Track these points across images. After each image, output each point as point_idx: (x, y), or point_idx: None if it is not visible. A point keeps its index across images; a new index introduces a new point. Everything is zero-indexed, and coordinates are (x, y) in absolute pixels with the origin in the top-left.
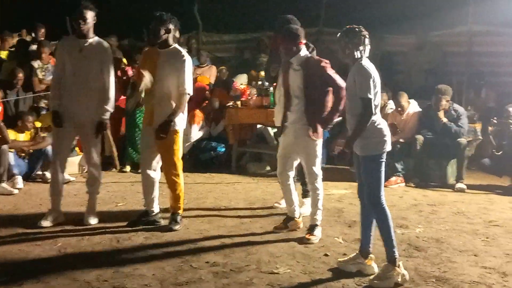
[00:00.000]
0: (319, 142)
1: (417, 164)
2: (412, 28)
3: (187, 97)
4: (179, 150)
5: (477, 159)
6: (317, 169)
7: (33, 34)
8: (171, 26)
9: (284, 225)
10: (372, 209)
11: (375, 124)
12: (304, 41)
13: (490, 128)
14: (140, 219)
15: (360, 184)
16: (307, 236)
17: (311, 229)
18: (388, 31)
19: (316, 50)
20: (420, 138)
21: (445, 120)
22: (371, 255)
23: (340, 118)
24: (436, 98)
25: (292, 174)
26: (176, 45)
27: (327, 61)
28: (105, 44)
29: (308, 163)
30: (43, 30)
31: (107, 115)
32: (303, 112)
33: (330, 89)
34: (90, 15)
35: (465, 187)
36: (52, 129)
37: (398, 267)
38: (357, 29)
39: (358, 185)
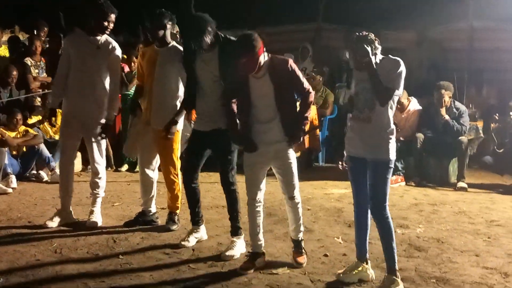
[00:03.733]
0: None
1: (418, 162)
2: (411, 24)
3: None
4: (178, 149)
5: (478, 157)
6: (296, 178)
7: (35, 31)
8: (169, 23)
9: (250, 263)
10: (376, 217)
11: (392, 128)
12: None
13: (492, 125)
14: (138, 219)
15: (358, 188)
16: (298, 260)
17: (299, 247)
18: (387, 27)
19: (315, 47)
20: (420, 136)
21: (447, 117)
22: (369, 261)
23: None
24: (439, 94)
25: (262, 199)
26: (174, 43)
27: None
28: (115, 42)
29: (289, 174)
30: (46, 29)
31: (113, 117)
32: (280, 126)
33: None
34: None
35: (466, 186)
36: (59, 129)
37: (398, 277)
38: (368, 33)
39: (354, 189)
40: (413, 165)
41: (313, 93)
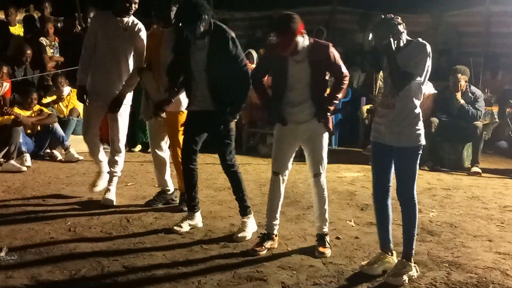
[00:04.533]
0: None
1: (432, 147)
2: (427, 8)
3: None
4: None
5: (493, 142)
6: (325, 157)
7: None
8: (174, 4)
9: (262, 245)
10: (403, 203)
11: (417, 114)
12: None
13: (507, 110)
14: (157, 198)
15: (379, 175)
16: (321, 249)
17: (323, 240)
18: (402, 10)
19: (329, 29)
20: (435, 120)
21: (462, 101)
22: (394, 252)
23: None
24: (454, 78)
25: (286, 177)
26: None
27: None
28: (141, 24)
29: (316, 151)
30: (50, 7)
31: (126, 93)
32: (312, 107)
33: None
34: None
35: (480, 171)
36: (83, 106)
37: (412, 262)
38: (393, 16)
39: (375, 175)
40: (427, 149)
41: (348, 76)
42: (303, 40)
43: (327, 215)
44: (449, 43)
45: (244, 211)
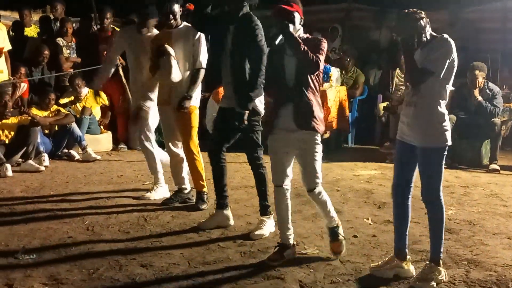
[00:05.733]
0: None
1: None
2: (444, 4)
3: (203, 72)
4: (196, 127)
5: (511, 139)
6: (319, 169)
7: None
8: (178, 5)
9: (279, 255)
10: (429, 205)
11: (444, 112)
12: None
13: None
14: (174, 197)
15: (400, 173)
16: (334, 249)
17: (334, 233)
18: (419, 7)
19: (345, 27)
20: (453, 117)
21: (480, 98)
22: (408, 257)
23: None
24: (472, 74)
25: (289, 186)
26: (185, 23)
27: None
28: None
29: (308, 164)
30: (62, 7)
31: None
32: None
33: None
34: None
35: (499, 168)
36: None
37: (440, 266)
38: (416, 10)
39: (398, 177)
40: None
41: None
42: (299, 27)
43: (332, 212)
44: (467, 39)
45: (264, 210)
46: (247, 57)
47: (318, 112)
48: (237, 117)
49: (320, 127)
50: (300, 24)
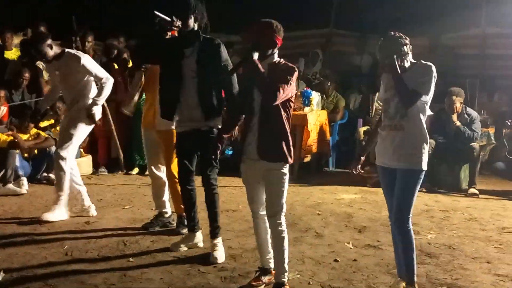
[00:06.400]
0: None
1: (429, 168)
2: (424, 30)
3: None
4: None
5: (490, 164)
6: (282, 201)
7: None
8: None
9: (259, 280)
10: (396, 229)
11: (425, 136)
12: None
13: (504, 131)
14: (154, 221)
15: (392, 200)
16: None
17: None
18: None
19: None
20: (432, 142)
21: (458, 123)
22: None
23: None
24: (450, 100)
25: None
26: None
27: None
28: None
29: (272, 196)
30: (43, 29)
31: None
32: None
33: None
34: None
35: (478, 192)
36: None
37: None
38: (400, 35)
39: (388, 202)
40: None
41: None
42: (274, 52)
43: (286, 264)
44: (446, 65)
45: (214, 232)
46: (214, 79)
47: (287, 141)
48: (211, 140)
49: (287, 157)
50: (275, 49)
